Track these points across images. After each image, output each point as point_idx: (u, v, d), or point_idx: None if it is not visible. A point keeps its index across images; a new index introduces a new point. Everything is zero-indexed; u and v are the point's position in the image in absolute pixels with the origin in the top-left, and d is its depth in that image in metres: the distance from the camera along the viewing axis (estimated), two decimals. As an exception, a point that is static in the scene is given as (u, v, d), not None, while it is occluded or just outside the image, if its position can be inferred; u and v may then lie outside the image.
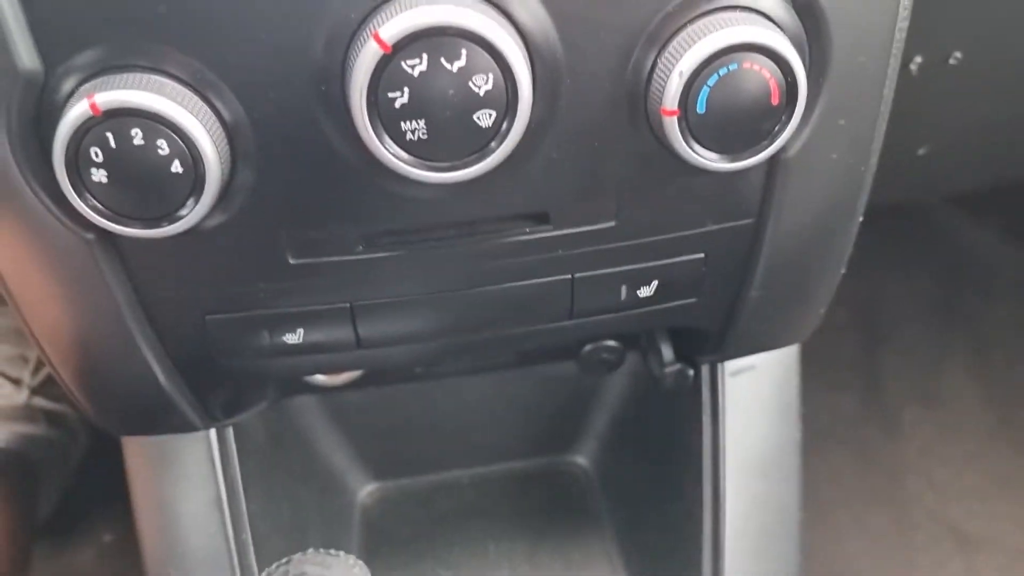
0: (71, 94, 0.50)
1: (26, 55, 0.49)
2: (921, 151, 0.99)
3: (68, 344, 0.65)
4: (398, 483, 1.00)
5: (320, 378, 0.84)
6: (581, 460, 1.02)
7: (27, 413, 1.28)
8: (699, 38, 0.51)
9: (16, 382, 1.29)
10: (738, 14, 0.52)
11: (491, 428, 1.01)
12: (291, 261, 0.59)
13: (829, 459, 1.54)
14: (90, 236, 0.56)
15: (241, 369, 0.68)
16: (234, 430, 0.77)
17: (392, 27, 0.47)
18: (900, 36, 0.59)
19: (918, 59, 0.80)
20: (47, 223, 0.55)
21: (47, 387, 1.31)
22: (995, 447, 1.58)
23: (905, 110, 0.64)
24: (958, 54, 0.82)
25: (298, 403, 0.93)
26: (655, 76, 0.53)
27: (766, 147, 0.54)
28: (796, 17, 0.54)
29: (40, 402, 1.29)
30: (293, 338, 0.64)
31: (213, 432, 0.76)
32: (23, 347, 1.32)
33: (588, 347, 0.83)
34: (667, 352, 0.81)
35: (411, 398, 0.97)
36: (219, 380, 0.71)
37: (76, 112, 0.48)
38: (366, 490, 1.00)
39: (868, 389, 1.68)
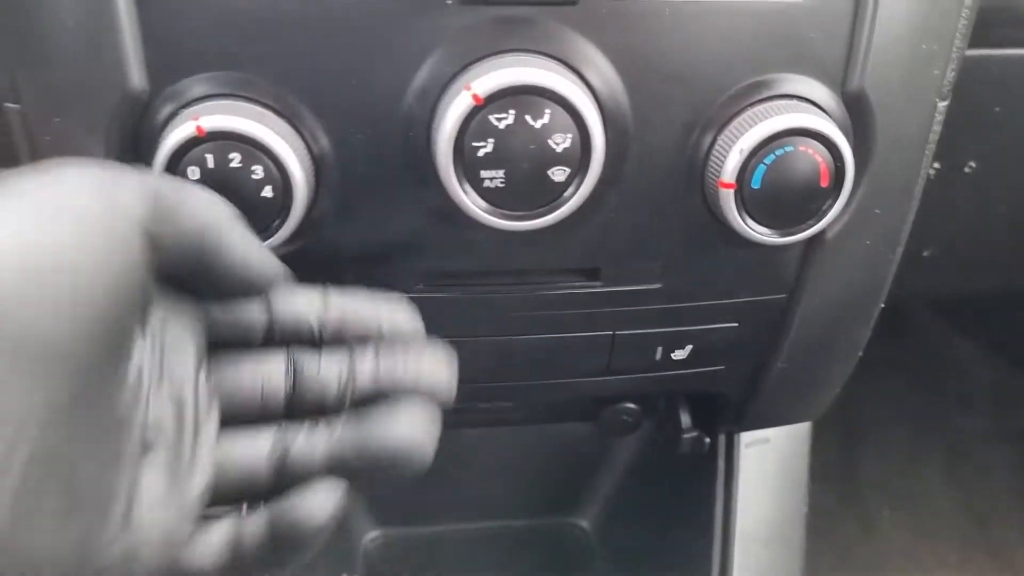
0: (172, 116, 0.53)
1: (137, 76, 0.52)
2: (926, 252, 1.05)
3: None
4: (401, 531, 1.01)
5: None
6: (583, 523, 1.04)
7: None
8: (760, 120, 0.55)
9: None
10: (794, 102, 0.57)
11: (496, 484, 1.02)
12: (352, 293, 0.62)
13: (807, 551, 1.55)
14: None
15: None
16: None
17: (486, 82, 0.51)
18: (934, 138, 0.64)
19: (936, 165, 0.86)
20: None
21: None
22: (971, 554, 1.60)
23: (917, 211, 0.68)
24: (973, 163, 0.87)
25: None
26: (714, 151, 0.57)
27: (812, 225, 0.58)
28: (844, 110, 0.59)
29: None
30: (340, 369, 0.66)
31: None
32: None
33: (608, 409, 0.85)
34: (685, 419, 0.83)
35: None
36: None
37: (181, 132, 0.51)
38: (369, 536, 1.00)
39: (846, 487, 1.70)
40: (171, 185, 0.42)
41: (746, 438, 0.81)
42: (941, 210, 0.95)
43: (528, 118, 0.52)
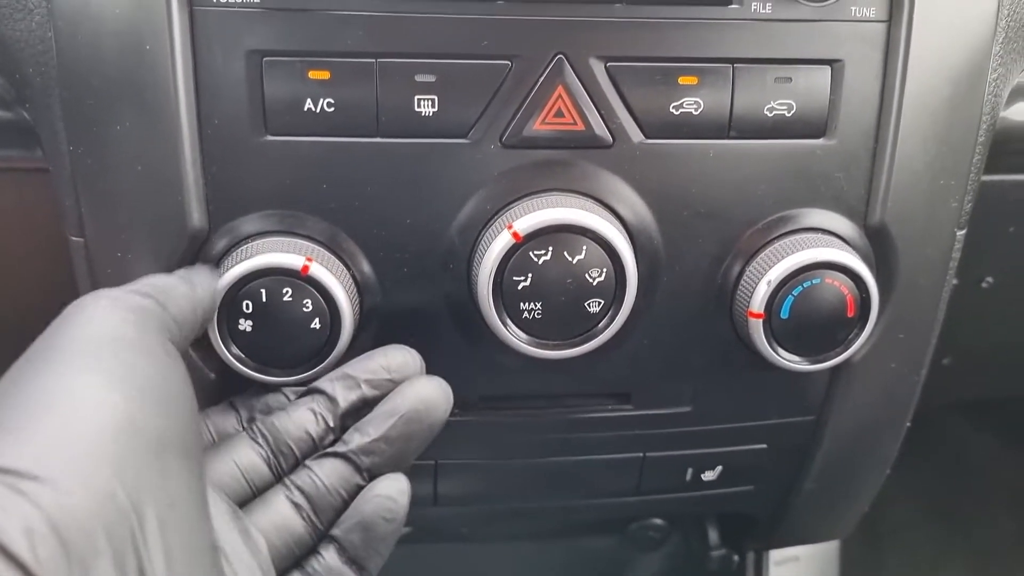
0: (228, 250, 0.56)
1: (197, 215, 0.56)
2: (945, 361, 1.06)
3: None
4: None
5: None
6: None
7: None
8: (787, 253, 0.58)
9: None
10: (819, 235, 0.59)
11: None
12: (390, 416, 0.63)
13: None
14: (213, 376, 0.60)
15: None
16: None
17: (527, 221, 0.54)
18: (954, 265, 0.66)
19: (954, 281, 0.88)
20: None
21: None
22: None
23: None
24: (990, 279, 0.89)
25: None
26: (743, 281, 0.59)
27: (839, 353, 0.60)
28: (867, 242, 0.61)
29: None
30: (376, 490, 0.67)
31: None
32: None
33: (635, 524, 0.86)
34: (713, 536, 0.83)
35: (445, 559, 0.98)
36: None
37: (239, 270, 0.54)
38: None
39: (869, 592, 1.66)
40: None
41: (775, 556, 0.81)
42: (959, 322, 0.97)
43: (566, 254, 0.54)
